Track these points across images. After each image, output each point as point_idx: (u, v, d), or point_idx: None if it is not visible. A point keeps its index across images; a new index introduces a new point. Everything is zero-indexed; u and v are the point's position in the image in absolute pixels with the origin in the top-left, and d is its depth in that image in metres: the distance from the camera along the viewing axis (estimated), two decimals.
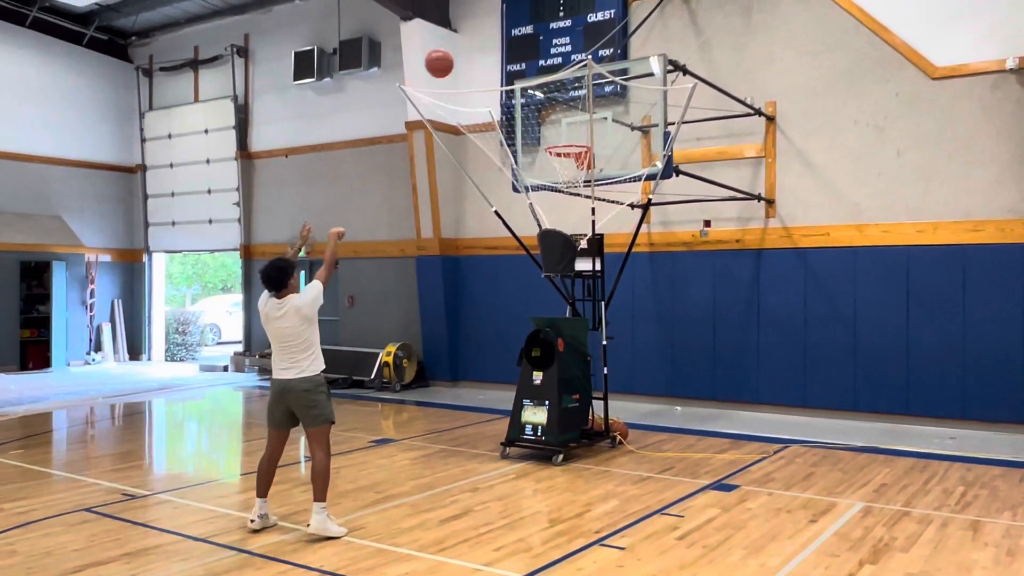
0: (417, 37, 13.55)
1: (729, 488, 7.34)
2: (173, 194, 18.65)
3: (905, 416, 10.33)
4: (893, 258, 10.50)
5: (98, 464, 8.61)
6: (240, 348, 17.67)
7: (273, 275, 5.99)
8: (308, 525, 5.85)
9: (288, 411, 6.02)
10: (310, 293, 6.01)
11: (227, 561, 5.40)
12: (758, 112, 11.11)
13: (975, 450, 8.84)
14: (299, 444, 8.88)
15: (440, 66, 8.47)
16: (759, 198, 11.23)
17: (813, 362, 10.99)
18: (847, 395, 10.75)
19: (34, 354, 17.15)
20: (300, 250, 6.61)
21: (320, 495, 5.87)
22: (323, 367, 6.10)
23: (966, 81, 10.11)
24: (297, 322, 5.95)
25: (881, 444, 9.16)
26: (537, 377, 8.59)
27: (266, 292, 6.08)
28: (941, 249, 10.21)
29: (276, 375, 6.07)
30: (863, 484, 7.47)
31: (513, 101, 10.26)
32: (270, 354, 6.30)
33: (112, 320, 18.80)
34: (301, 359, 5.97)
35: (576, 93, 11.36)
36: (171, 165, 18.63)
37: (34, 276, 17.47)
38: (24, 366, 16.91)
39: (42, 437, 10.31)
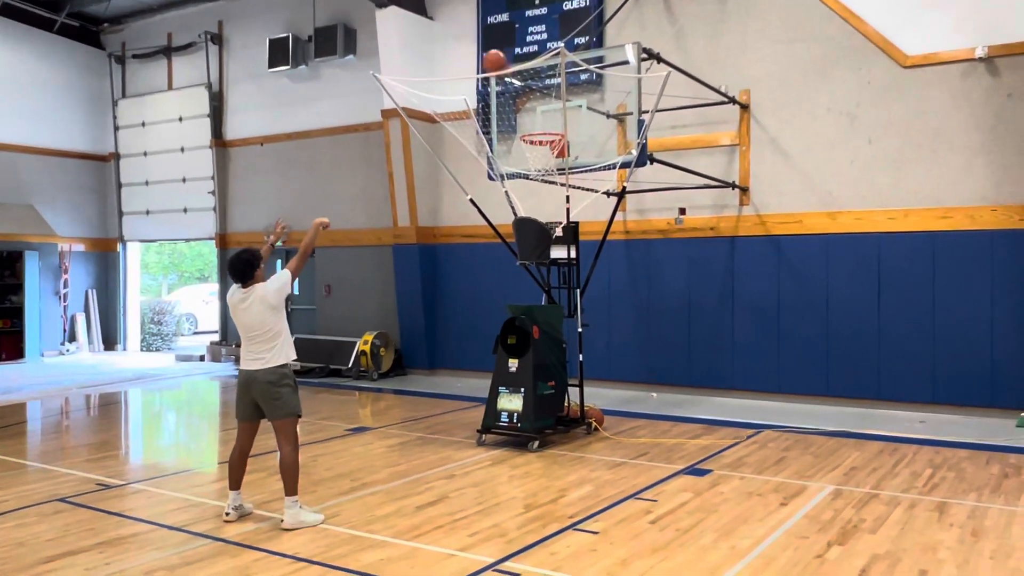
0: (392, 24, 13.50)
1: (702, 472, 7.43)
2: (147, 183, 18.48)
3: (876, 401, 10.49)
4: (865, 245, 10.62)
5: (73, 454, 8.57)
6: (216, 338, 17.59)
7: (239, 266, 5.96)
8: (283, 522, 5.85)
9: (254, 403, 5.99)
10: (276, 282, 5.99)
11: (203, 549, 5.41)
12: (732, 100, 11.18)
13: (944, 433, 8.99)
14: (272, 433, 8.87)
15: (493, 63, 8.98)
16: (733, 186, 11.31)
17: (786, 348, 11.12)
18: (819, 380, 10.88)
19: (7, 345, 16.98)
20: (275, 244, 6.60)
21: (291, 489, 5.87)
22: (292, 357, 6.06)
23: (937, 70, 10.23)
24: (262, 311, 5.92)
25: (852, 428, 9.30)
26: (513, 364, 8.64)
27: (236, 290, 6.08)
28: (912, 236, 10.35)
29: (242, 366, 6.06)
30: (834, 467, 7.59)
31: (488, 89, 10.26)
32: None
33: (87, 310, 18.64)
34: (266, 350, 5.94)
35: (552, 81, 11.37)
36: (145, 153, 18.45)
37: (6, 266, 17.27)
38: None
39: (15, 428, 10.23)
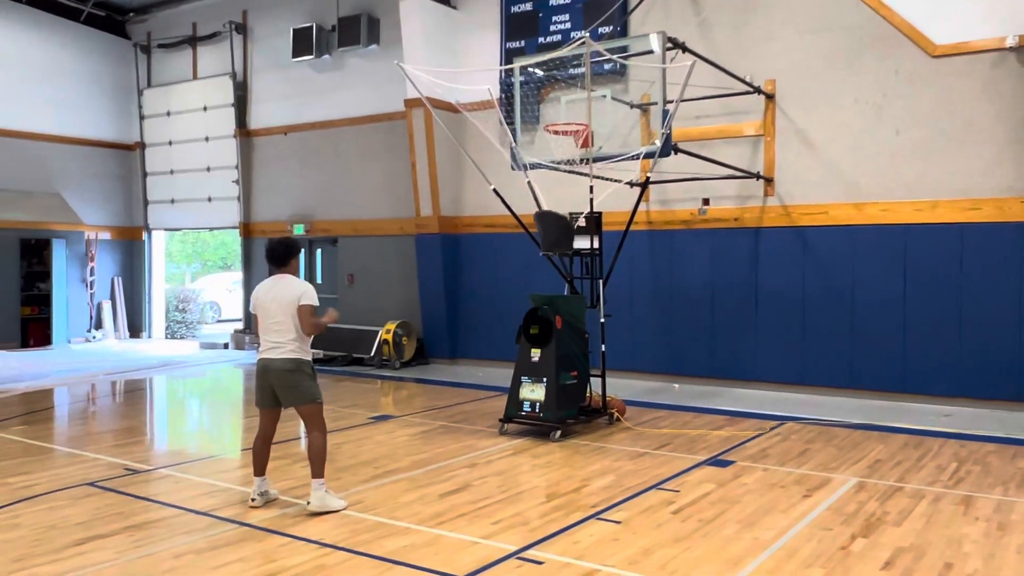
0: (416, 14, 13.51)
1: (725, 464, 7.41)
2: (172, 172, 18.63)
3: (901, 393, 10.40)
4: (891, 236, 10.52)
5: (100, 440, 8.69)
6: (240, 326, 17.73)
7: (279, 249, 6.09)
8: (308, 503, 5.92)
9: (272, 390, 6.04)
10: (301, 289, 6.00)
11: (229, 534, 5.47)
12: (757, 90, 11.09)
13: (969, 427, 8.91)
14: (297, 418, 8.94)
15: None
16: (758, 176, 11.24)
17: (810, 339, 11.05)
18: (844, 372, 10.81)
19: (35, 331, 17.22)
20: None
21: (318, 472, 5.93)
22: (308, 358, 6.09)
23: (966, 59, 10.09)
24: (283, 303, 5.98)
25: (876, 421, 9.24)
26: (535, 354, 8.65)
27: (265, 281, 6.15)
28: (939, 227, 10.24)
29: (260, 355, 6.11)
30: (857, 460, 7.55)
31: (512, 79, 10.24)
32: None
33: (112, 298, 18.85)
34: (285, 341, 5.98)
35: (575, 71, 11.33)
36: (170, 143, 18.60)
37: (34, 254, 17.50)
38: (25, 343, 16.98)
39: (44, 413, 10.38)
